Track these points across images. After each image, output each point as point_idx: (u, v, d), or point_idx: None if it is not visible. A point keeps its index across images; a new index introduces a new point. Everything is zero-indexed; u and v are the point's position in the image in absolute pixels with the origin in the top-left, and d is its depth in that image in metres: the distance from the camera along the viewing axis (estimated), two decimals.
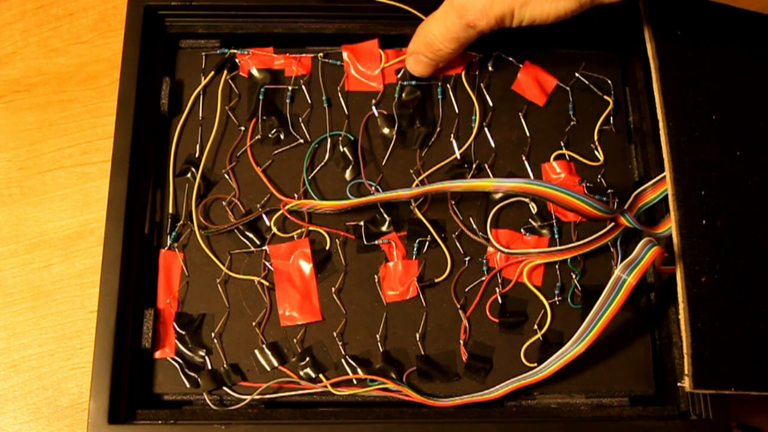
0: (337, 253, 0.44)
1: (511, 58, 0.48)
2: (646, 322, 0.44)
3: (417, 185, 0.45)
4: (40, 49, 0.54)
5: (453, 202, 0.45)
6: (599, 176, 0.46)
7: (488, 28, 0.41)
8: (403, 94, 0.47)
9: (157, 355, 0.42)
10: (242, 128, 0.46)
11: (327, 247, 0.44)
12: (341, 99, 0.47)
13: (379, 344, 0.43)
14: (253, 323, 0.43)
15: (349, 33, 0.47)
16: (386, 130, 0.46)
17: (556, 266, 0.44)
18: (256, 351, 0.42)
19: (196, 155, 0.45)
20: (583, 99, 0.47)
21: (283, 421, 0.40)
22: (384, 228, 0.44)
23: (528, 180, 0.44)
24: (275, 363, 0.42)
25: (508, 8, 0.39)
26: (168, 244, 0.44)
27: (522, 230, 0.45)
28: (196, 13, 0.46)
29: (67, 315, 0.48)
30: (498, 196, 0.45)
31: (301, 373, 0.42)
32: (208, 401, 0.41)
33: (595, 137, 0.46)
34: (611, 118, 0.47)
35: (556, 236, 0.44)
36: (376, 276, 0.44)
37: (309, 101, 0.46)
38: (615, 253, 0.44)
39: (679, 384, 0.41)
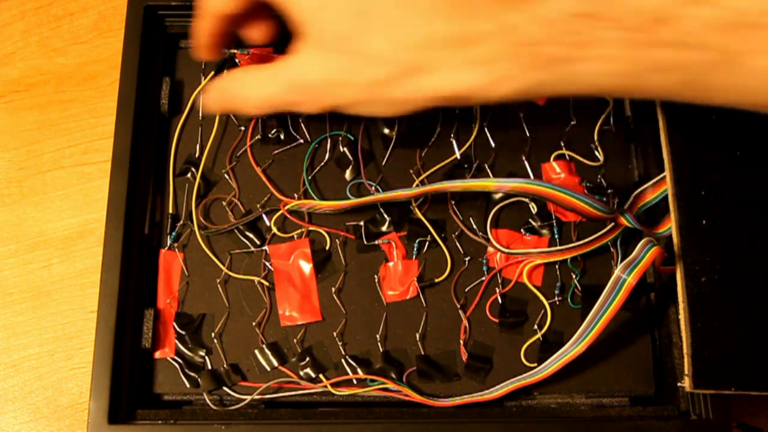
0: (337, 253, 0.44)
1: None
2: (646, 322, 0.44)
3: (417, 185, 0.45)
4: (40, 49, 0.54)
5: (453, 202, 0.45)
6: (599, 176, 0.46)
7: (310, 113, 0.38)
8: None
9: (157, 355, 0.42)
10: (242, 128, 0.46)
11: (327, 247, 0.44)
12: None
13: (379, 344, 0.43)
14: (253, 323, 0.43)
15: None
16: (386, 130, 0.46)
17: (556, 266, 0.44)
18: (256, 351, 0.42)
19: (196, 155, 0.45)
20: (583, 99, 0.47)
21: (283, 421, 0.40)
22: (384, 228, 0.44)
23: (528, 180, 0.43)
24: (275, 363, 0.42)
25: (338, 102, 0.36)
26: (168, 244, 0.44)
27: (522, 230, 0.45)
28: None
29: (67, 315, 0.48)
30: (498, 196, 0.45)
31: (301, 373, 0.42)
32: (208, 401, 0.41)
33: (595, 137, 0.46)
34: (611, 118, 0.47)
35: (556, 236, 0.44)
36: (376, 276, 0.44)
37: None
38: (615, 253, 0.44)
39: (679, 384, 0.41)
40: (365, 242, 0.44)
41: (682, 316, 0.38)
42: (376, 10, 0.33)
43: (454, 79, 0.33)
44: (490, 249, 0.44)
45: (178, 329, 0.42)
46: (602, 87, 0.32)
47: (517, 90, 0.32)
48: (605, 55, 0.30)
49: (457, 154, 0.46)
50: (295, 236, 0.44)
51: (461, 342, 0.43)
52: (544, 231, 0.45)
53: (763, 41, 0.28)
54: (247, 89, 0.38)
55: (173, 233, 0.44)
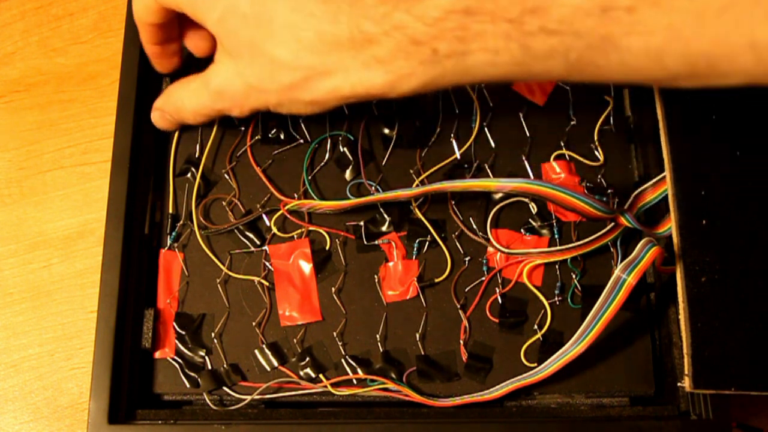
0: (337, 253, 0.44)
1: None
2: (646, 322, 0.44)
3: (417, 185, 0.45)
4: (40, 49, 0.54)
5: (453, 202, 0.45)
6: (599, 176, 0.46)
7: (240, 116, 0.40)
8: None
9: (157, 355, 0.42)
10: (242, 128, 0.46)
11: (327, 247, 0.44)
12: None
13: (379, 344, 0.43)
14: (253, 323, 0.43)
15: None
16: (386, 130, 0.46)
17: (556, 266, 0.44)
18: (256, 351, 0.42)
19: (196, 155, 0.45)
20: (583, 99, 0.47)
21: (283, 421, 0.40)
22: (384, 228, 0.44)
23: (528, 180, 0.44)
24: (275, 363, 0.42)
25: (263, 105, 0.38)
26: (168, 244, 0.44)
27: (522, 230, 0.45)
28: None
29: (67, 315, 0.48)
30: (498, 196, 0.45)
31: (301, 373, 0.42)
32: (208, 401, 0.41)
33: (595, 137, 0.46)
34: (611, 118, 0.47)
35: (556, 236, 0.44)
36: (376, 276, 0.44)
37: None
38: (615, 253, 0.44)
39: (679, 384, 0.41)
40: (365, 242, 0.44)
41: (682, 316, 0.38)
42: (276, 17, 0.34)
43: (355, 80, 0.34)
44: (490, 249, 0.44)
45: (178, 329, 0.42)
46: (495, 76, 0.33)
47: (417, 86, 0.34)
48: (489, 47, 0.32)
49: (457, 154, 0.46)
50: (295, 236, 0.44)
51: (461, 342, 0.43)
52: (544, 231, 0.45)
53: (632, 23, 0.29)
54: (183, 101, 0.41)
55: (173, 233, 0.44)
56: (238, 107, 0.39)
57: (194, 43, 0.43)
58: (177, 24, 0.42)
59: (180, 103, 0.41)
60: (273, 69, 0.36)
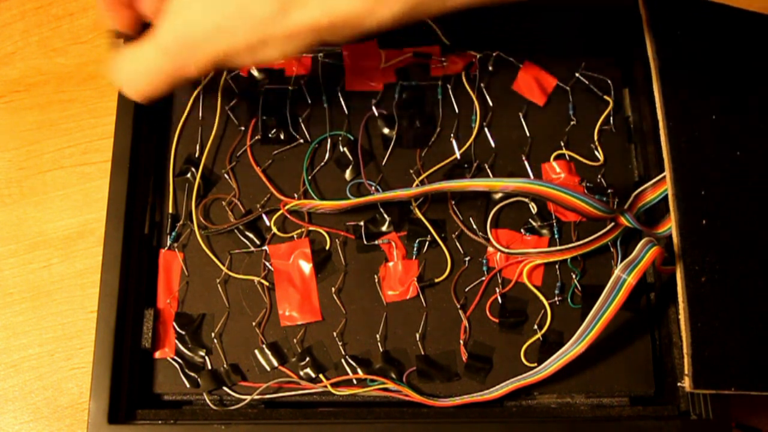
0: (337, 253, 0.44)
1: (511, 58, 0.48)
2: (646, 322, 0.44)
3: (417, 185, 0.45)
4: (40, 49, 0.54)
5: (453, 202, 0.45)
6: (599, 176, 0.46)
7: (199, 74, 0.35)
8: (403, 94, 0.47)
9: (157, 355, 0.42)
10: (242, 128, 0.46)
11: (327, 247, 0.44)
12: (341, 99, 0.47)
13: (379, 344, 0.43)
14: (253, 323, 0.43)
15: None
16: (386, 130, 0.46)
17: (556, 266, 0.44)
18: (256, 351, 0.42)
19: (196, 155, 0.45)
20: (583, 99, 0.47)
21: (283, 421, 0.40)
22: (384, 228, 0.44)
23: (529, 180, 0.44)
24: (275, 363, 0.42)
25: (228, 52, 0.34)
26: (168, 244, 0.44)
27: (522, 230, 0.45)
28: None
29: (67, 315, 0.48)
30: (498, 196, 0.45)
31: (301, 373, 0.42)
32: (208, 401, 0.41)
33: (595, 137, 0.46)
34: (611, 118, 0.47)
35: (556, 236, 0.44)
36: (376, 276, 0.44)
37: (309, 101, 0.46)
38: (615, 253, 0.44)
39: (679, 384, 0.41)
40: (365, 242, 0.44)
41: (682, 316, 0.38)
42: None
43: (330, 9, 0.33)
44: (490, 249, 0.44)
45: (178, 329, 0.42)
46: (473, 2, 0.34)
47: (398, 11, 0.33)
48: None
49: (457, 154, 0.46)
50: (295, 236, 0.44)
51: (461, 342, 0.43)
52: (544, 231, 0.45)
53: None
54: (135, 65, 0.36)
55: (173, 233, 0.44)
56: (196, 60, 0.34)
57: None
58: None
59: (134, 68, 0.36)
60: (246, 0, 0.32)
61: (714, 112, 0.42)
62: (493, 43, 0.47)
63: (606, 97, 0.47)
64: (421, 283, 0.43)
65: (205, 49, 0.34)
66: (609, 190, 0.45)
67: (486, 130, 0.46)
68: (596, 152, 0.46)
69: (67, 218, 0.50)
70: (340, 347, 0.43)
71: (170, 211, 0.44)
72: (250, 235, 0.44)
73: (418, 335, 0.43)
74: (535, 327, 0.43)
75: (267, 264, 0.44)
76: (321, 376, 0.42)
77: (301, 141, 0.46)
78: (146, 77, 0.36)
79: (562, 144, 0.46)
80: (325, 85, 0.47)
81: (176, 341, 0.42)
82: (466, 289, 0.44)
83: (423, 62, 0.47)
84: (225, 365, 0.42)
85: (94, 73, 0.53)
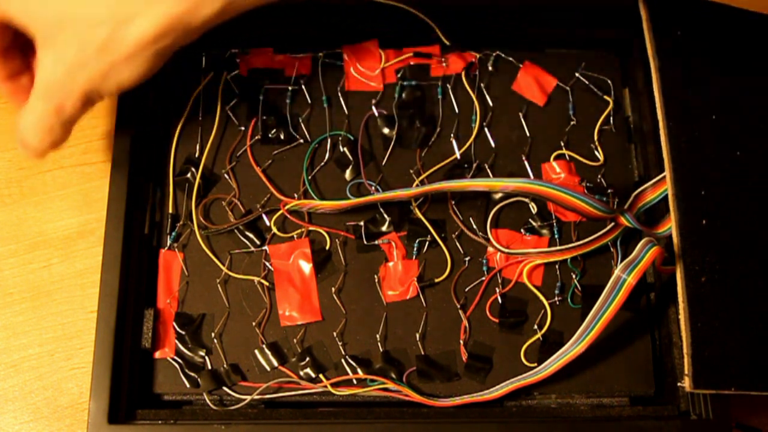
0: (337, 253, 0.44)
1: (511, 58, 0.48)
2: (646, 322, 0.44)
3: (417, 185, 0.45)
4: None
5: (453, 202, 0.45)
6: (599, 176, 0.46)
7: (76, 111, 0.38)
8: (403, 94, 0.47)
9: (157, 355, 0.42)
10: (242, 128, 0.46)
11: (327, 247, 0.44)
12: (341, 99, 0.47)
13: (379, 344, 0.43)
14: (253, 323, 0.43)
15: (349, 33, 0.47)
16: (386, 130, 0.46)
17: (556, 266, 0.44)
18: (256, 351, 0.42)
19: (196, 155, 0.45)
20: (583, 99, 0.47)
21: (283, 421, 0.40)
22: (384, 228, 0.44)
23: (529, 180, 0.44)
24: (275, 363, 0.42)
25: (90, 84, 0.37)
26: (168, 244, 0.44)
27: (522, 230, 0.45)
28: None
29: (67, 315, 0.48)
30: (498, 196, 0.45)
31: (301, 373, 0.42)
32: (208, 401, 0.41)
33: (595, 137, 0.47)
34: (611, 118, 0.47)
35: (556, 236, 0.44)
36: (376, 276, 0.44)
37: (309, 101, 0.46)
38: (615, 253, 0.44)
39: (679, 384, 0.41)
40: (365, 242, 0.44)
41: (682, 316, 0.38)
42: None
43: (158, 15, 0.35)
44: (490, 249, 0.44)
45: (178, 329, 0.42)
46: None
47: (219, 7, 0.35)
48: None
49: (457, 154, 0.46)
50: (295, 236, 0.44)
51: (461, 342, 0.43)
52: (544, 231, 0.45)
53: None
54: (25, 125, 0.38)
55: (173, 233, 0.44)
56: (69, 98, 0.37)
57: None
58: (20, 54, 0.40)
59: (23, 131, 0.38)
60: (82, 32, 0.35)
61: (714, 112, 0.42)
62: (493, 43, 0.47)
63: (606, 97, 0.47)
64: (421, 283, 0.43)
65: (70, 89, 0.37)
66: (609, 190, 0.45)
67: (486, 130, 0.46)
68: (596, 152, 0.46)
69: (67, 218, 0.50)
70: (340, 347, 0.43)
71: (170, 211, 0.44)
72: (250, 235, 0.44)
73: (418, 335, 0.43)
74: (535, 327, 0.43)
75: (267, 264, 0.44)
76: (321, 376, 0.42)
77: (301, 141, 0.46)
78: (36, 127, 0.38)
79: (562, 144, 0.46)
80: (325, 85, 0.47)
81: (176, 341, 0.42)
82: (466, 289, 0.44)
83: (423, 62, 0.47)
84: (225, 365, 0.42)
85: None
